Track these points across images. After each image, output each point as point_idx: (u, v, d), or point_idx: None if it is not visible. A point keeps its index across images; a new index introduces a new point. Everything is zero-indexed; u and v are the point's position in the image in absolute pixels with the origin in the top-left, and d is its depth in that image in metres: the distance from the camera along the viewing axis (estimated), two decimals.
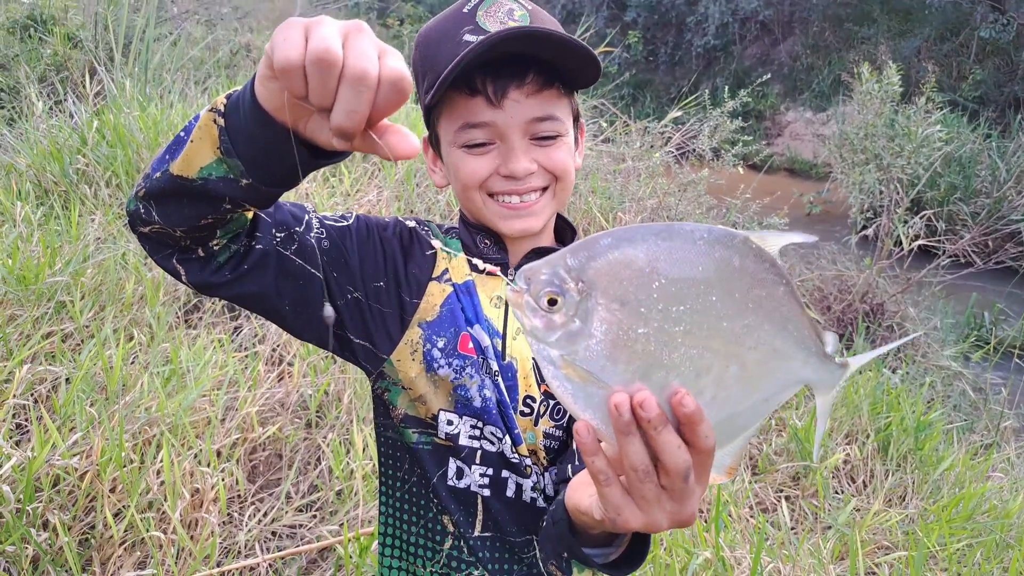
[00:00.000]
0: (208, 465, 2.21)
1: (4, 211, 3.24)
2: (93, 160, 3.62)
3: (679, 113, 5.88)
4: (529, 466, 0.95)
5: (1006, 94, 12.89)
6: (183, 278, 0.83)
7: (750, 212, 4.98)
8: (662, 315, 0.54)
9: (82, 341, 2.65)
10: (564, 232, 1.05)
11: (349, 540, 2.09)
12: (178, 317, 2.95)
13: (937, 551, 2.51)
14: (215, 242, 0.82)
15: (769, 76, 8.38)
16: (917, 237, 5.54)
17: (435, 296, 0.97)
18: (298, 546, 2.20)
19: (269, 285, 0.87)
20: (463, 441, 0.95)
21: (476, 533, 0.97)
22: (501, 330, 0.96)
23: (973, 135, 10.65)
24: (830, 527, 2.65)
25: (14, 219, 3.14)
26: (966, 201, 8.83)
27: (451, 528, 0.98)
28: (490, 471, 0.95)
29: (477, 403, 0.94)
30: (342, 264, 0.94)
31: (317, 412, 2.62)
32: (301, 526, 2.32)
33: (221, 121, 0.69)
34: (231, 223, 0.80)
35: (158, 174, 0.75)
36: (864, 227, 6.15)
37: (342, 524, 2.20)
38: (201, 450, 2.24)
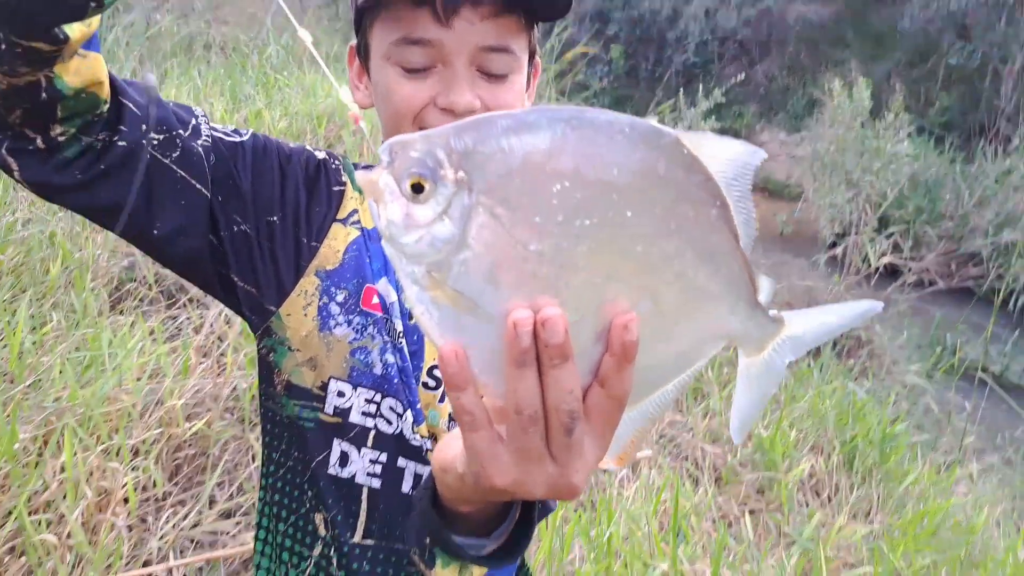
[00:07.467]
0: (121, 461, 2.00)
1: None
2: None
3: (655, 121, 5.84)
4: (430, 451, 0.79)
5: (970, 121, 13.22)
6: (15, 174, 0.65)
7: None
8: (561, 228, 0.40)
9: None
10: None
11: None
12: (106, 302, 2.73)
13: (903, 568, 2.41)
14: (59, 129, 0.64)
15: (744, 75, 8.46)
16: (884, 255, 5.58)
17: (338, 240, 0.81)
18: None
19: (132, 195, 0.69)
20: (354, 418, 0.79)
21: (355, 539, 0.80)
22: None
23: (940, 159, 10.85)
24: (795, 542, 2.53)
25: None
26: (932, 224, 8.94)
27: (323, 531, 0.81)
28: (383, 458, 0.79)
29: (377, 370, 0.79)
30: (230, 187, 0.77)
31: (252, 408, 2.42)
32: (224, 532, 2.12)
33: None
34: (68, 102, 0.62)
35: None
36: (834, 244, 6.18)
37: None
38: (113, 445, 2.03)
